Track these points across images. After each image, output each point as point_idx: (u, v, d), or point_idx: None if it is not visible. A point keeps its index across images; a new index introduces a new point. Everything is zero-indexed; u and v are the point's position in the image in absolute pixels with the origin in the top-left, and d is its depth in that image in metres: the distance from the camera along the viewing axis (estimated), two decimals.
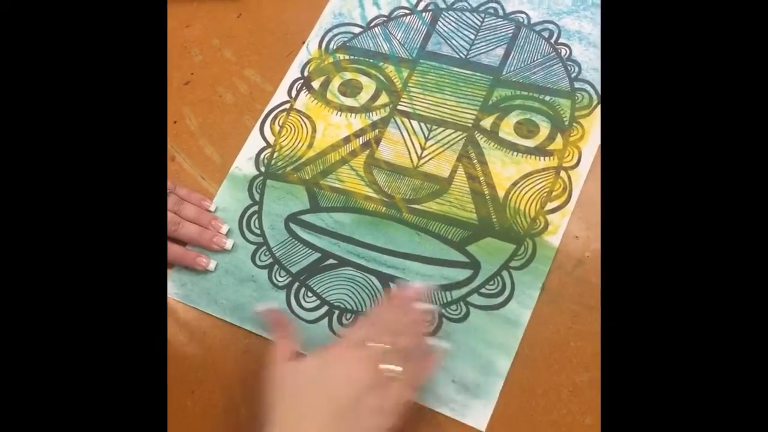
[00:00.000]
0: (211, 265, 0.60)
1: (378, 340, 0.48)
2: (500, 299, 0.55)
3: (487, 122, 0.62)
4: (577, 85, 0.62)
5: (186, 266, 0.60)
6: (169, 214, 0.60)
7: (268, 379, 0.47)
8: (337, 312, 0.57)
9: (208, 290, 0.59)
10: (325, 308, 0.57)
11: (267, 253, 0.60)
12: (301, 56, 0.69)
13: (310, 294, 0.58)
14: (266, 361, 0.49)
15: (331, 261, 0.59)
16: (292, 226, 0.60)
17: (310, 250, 0.59)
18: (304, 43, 0.69)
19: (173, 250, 0.60)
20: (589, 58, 0.63)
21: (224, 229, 0.61)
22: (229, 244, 0.61)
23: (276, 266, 0.59)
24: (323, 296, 0.57)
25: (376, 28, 0.69)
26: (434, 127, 0.62)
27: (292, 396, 0.46)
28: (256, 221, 0.61)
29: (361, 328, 0.50)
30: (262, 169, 0.64)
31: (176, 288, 0.60)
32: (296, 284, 0.58)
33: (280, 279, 0.59)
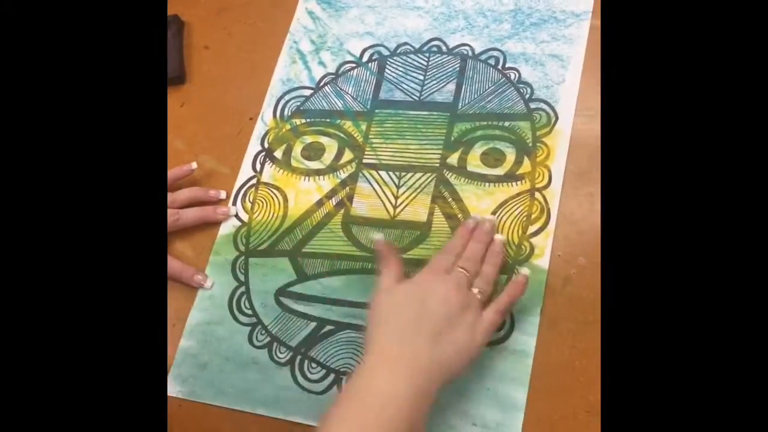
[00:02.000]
0: (208, 283, 0.62)
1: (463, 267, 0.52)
2: (503, 332, 0.55)
3: (453, 159, 0.62)
4: (532, 105, 0.63)
5: (183, 282, 0.61)
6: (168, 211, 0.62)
7: (370, 308, 0.51)
8: (344, 378, 0.56)
9: (212, 381, 0.58)
10: (332, 377, 0.56)
11: (263, 331, 0.59)
12: (259, 129, 0.69)
13: (314, 365, 0.57)
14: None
15: (328, 327, 0.58)
16: (283, 299, 0.60)
17: (305, 321, 0.59)
18: (251, 119, 0.69)
19: (172, 265, 0.61)
20: (538, 77, 0.64)
21: (222, 194, 0.65)
22: (233, 210, 0.64)
23: (275, 343, 0.59)
24: (327, 365, 0.57)
25: (326, 87, 0.69)
26: (403, 173, 0.63)
27: (389, 317, 0.49)
28: (246, 302, 0.61)
29: (444, 258, 0.53)
30: (242, 248, 0.63)
31: (178, 385, 0.59)
32: (299, 357, 0.58)
33: (281, 355, 0.58)
